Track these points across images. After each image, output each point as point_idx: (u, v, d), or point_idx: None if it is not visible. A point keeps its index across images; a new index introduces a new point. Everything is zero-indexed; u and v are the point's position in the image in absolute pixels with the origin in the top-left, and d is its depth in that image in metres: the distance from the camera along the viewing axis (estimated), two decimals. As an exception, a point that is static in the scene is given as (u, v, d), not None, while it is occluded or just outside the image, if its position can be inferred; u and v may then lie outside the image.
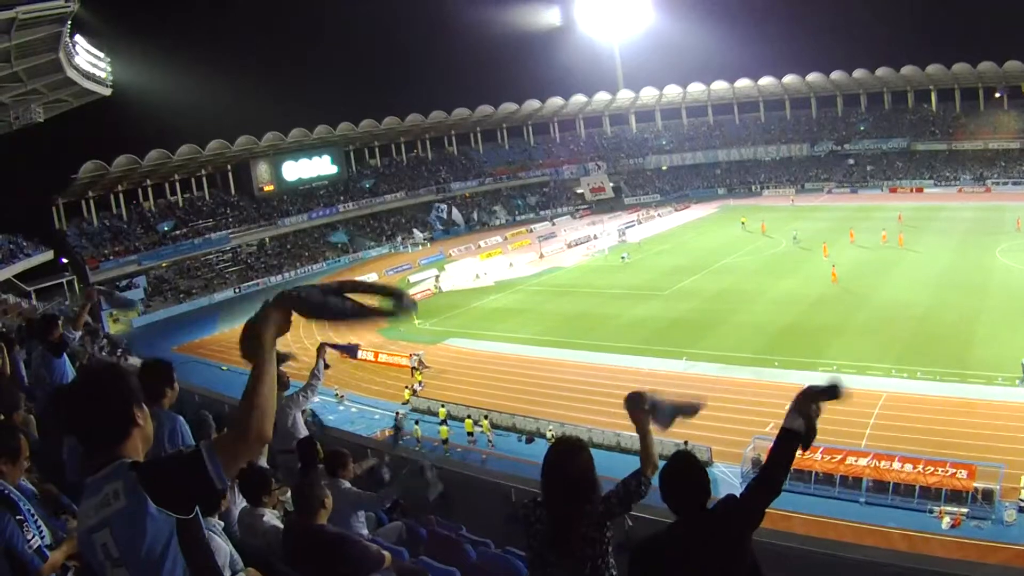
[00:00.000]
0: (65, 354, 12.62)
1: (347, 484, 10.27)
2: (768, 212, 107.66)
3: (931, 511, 30.79)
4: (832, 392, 5.43)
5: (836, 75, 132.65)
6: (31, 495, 7.52)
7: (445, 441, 44.56)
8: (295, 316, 4.15)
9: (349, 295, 4.21)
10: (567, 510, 5.76)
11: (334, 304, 4.15)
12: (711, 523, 5.39)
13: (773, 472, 5.31)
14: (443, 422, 46.94)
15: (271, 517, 8.60)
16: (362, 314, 4.24)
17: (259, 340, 4.00)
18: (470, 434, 45.66)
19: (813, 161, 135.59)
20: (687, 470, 5.66)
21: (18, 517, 6.34)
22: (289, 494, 9.67)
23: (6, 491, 6.42)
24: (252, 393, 3.90)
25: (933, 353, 47.57)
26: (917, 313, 56.31)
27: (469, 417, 46.53)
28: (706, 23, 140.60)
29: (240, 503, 8.73)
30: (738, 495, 5.40)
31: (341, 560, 7.91)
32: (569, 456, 5.86)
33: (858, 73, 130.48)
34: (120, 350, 54.70)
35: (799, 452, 5.36)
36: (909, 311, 56.91)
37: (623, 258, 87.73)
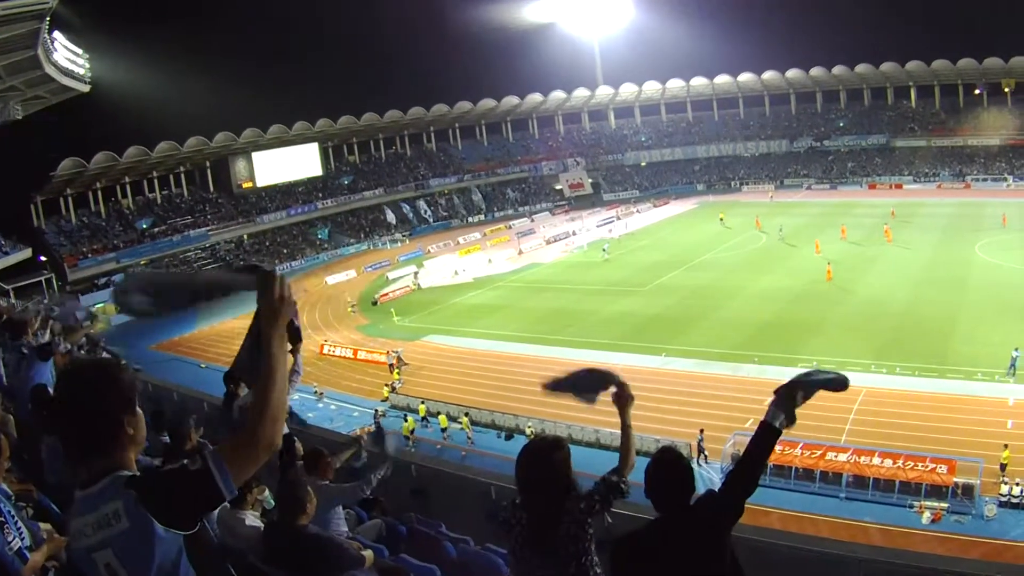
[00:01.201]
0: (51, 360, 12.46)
1: (326, 483, 10.19)
2: (747, 208, 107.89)
3: (911, 506, 30.96)
4: (835, 385, 5.37)
5: (816, 71, 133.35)
6: (8, 496, 7.31)
7: (409, 435, 44.45)
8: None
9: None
10: (546, 509, 5.69)
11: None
12: (692, 519, 5.32)
13: (750, 467, 5.21)
14: (423, 419, 47.15)
15: (252, 519, 8.51)
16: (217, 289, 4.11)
17: (266, 342, 3.82)
18: (444, 429, 45.91)
19: (792, 157, 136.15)
20: (672, 467, 5.56)
21: None
22: (267, 493, 9.64)
23: None
24: (262, 397, 3.73)
25: (913, 348, 47.84)
26: (897, 309, 56.60)
27: (443, 413, 46.83)
28: (686, 19, 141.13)
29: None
30: (716, 490, 5.28)
31: (321, 560, 7.80)
32: (542, 455, 5.80)
33: (837, 70, 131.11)
34: (98, 348, 54.44)
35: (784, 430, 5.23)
36: (889, 307, 57.24)
37: (604, 250, 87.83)
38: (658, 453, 5.68)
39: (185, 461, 3.74)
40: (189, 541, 3.62)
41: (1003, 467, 32.21)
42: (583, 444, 37.39)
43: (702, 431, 37.39)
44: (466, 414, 45.92)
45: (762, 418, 5.19)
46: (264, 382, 3.73)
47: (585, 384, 6.63)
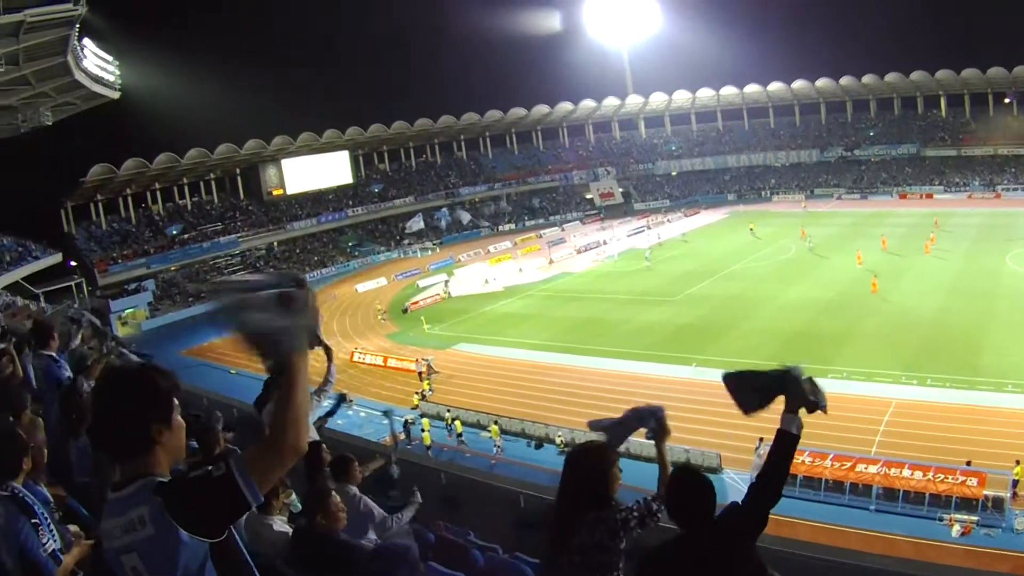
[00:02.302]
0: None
1: (355, 490, 10.12)
2: (778, 218, 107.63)
3: (941, 519, 30.71)
4: (813, 408, 5.53)
5: (846, 80, 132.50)
6: (45, 500, 7.41)
7: (429, 447, 44.68)
8: None
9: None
10: (571, 512, 5.77)
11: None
12: (717, 533, 5.37)
13: (773, 477, 5.34)
14: (449, 427, 47.27)
15: (279, 524, 8.49)
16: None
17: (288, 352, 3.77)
18: (459, 435, 46.22)
19: (823, 167, 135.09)
20: (690, 488, 5.64)
21: (33, 520, 6.30)
22: (293, 497, 9.69)
23: (21, 494, 6.39)
24: (286, 402, 3.72)
25: (943, 360, 47.41)
26: (927, 319, 56.11)
27: (458, 418, 47.38)
28: (715, 28, 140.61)
29: None
30: (740, 502, 5.38)
31: (349, 566, 7.78)
32: (583, 459, 5.89)
33: (867, 78, 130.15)
34: (128, 353, 54.72)
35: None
36: (919, 317, 56.75)
37: (646, 258, 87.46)
38: (674, 475, 5.80)
39: (210, 468, 3.79)
40: (216, 548, 3.69)
41: (1015, 483, 31.97)
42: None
43: (761, 440, 37.11)
44: (495, 422, 45.85)
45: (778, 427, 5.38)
46: (287, 388, 3.75)
47: (629, 428, 6.80)
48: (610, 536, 5.74)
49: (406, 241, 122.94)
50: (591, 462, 5.92)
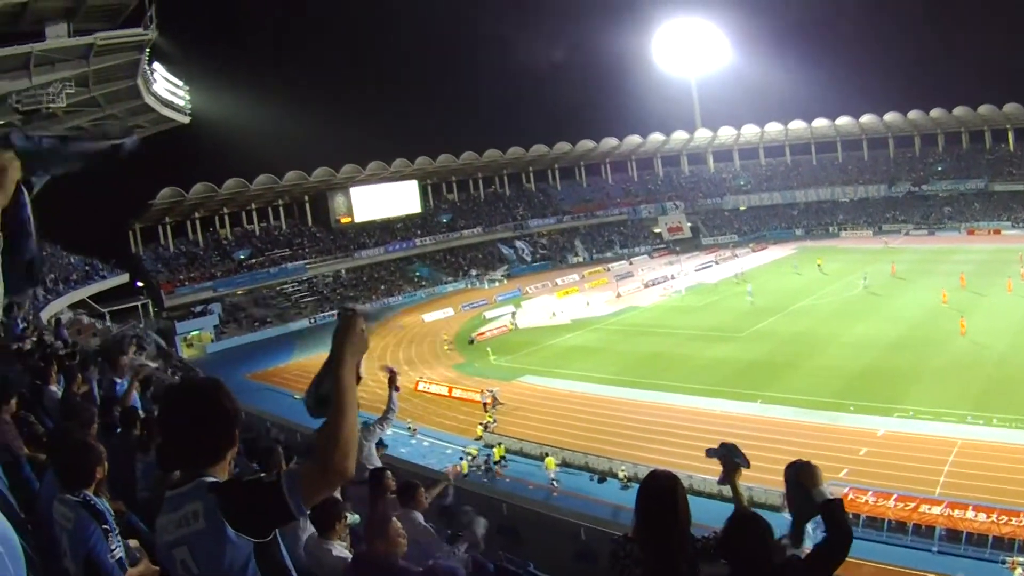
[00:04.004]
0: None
1: (420, 517, 10.29)
2: (846, 254, 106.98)
3: (1003, 561, 30.32)
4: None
5: (913, 114, 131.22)
6: (109, 512, 7.84)
7: (466, 475, 44.74)
8: None
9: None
10: (669, 541, 5.41)
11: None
12: None
13: (837, 544, 5.35)
14: (500, 460, 47.59)
15: (339, 549, 8.46)
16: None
17: (337, 376, 3.97)
18: (496, 462, 47.21)
19: (890, 202, 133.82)
20: (747, 534, 5.55)
21: (104, 527, 6.39)
22: (354, 518, 9.75)
23: (92, 501, 6.52)
24: (333, 427, 3.85)
25: (1010, 400, 46.58)
26: (995, 358, 55.28)
27: (500, 444, 48.38)
28: (784, 62, 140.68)
29: (308, 530, 8.59)
30: (802, 556, 5.48)
31: None
32: (667, 487, 5.60)
33: (935, 112, 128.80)
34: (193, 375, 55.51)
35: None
36: (987, 355, 55.93)
37: (748, 293, 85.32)
38: (735, 517, 5.76)
39: (262, 475, 4.12)
40: (258, 551, 3.86)
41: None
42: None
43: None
44: (546, 454, 46.17)
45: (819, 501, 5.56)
46: (335, 413, 3.87)
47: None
48: (689, 567, 5.46)
49: (474, 272, 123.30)
50: (670, 486, 5.59)
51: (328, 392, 4.02)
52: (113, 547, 6.38)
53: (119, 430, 11.64)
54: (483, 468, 46.86)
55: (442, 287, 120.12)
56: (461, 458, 47.73)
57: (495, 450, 48.18)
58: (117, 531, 6.59)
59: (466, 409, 58.61)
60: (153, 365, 20.01)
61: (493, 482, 44.63)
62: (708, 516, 8.07)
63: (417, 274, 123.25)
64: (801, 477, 6.02)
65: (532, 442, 49.11)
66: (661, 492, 5.56)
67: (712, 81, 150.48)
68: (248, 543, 3.81)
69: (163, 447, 4.34)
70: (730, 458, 6.97)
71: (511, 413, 56.74)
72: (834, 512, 5.50)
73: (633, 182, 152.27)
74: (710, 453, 7.08)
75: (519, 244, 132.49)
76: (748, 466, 6.97)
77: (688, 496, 5.62)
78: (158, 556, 4.34)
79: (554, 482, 43.95)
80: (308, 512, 4.09)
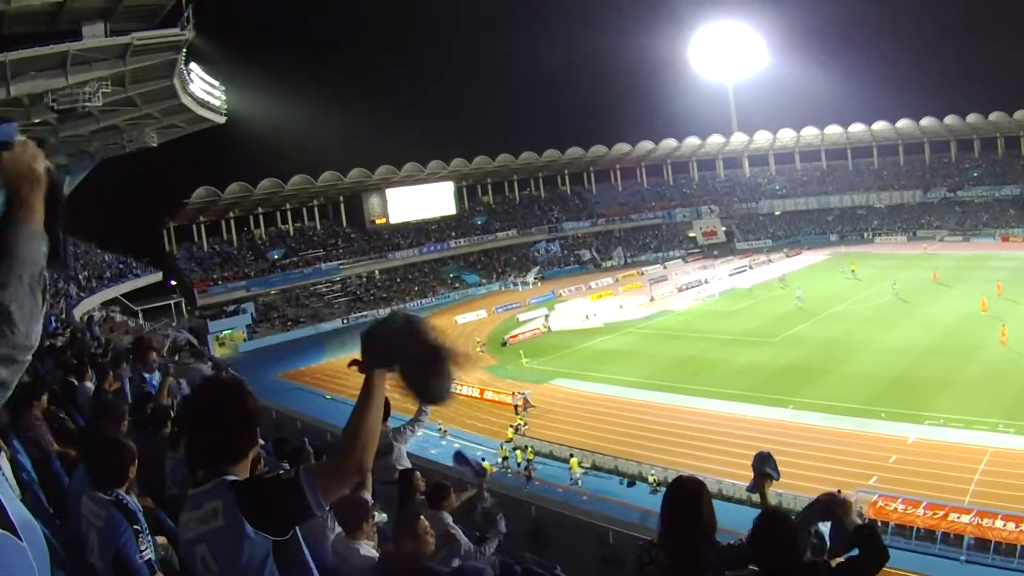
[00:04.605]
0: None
1: (448, 518, 10.23)
2: (880, 260, 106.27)
3: (1032, 571, 30.27)
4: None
5: (950, 119, 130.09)
6: (136, 510, 7.93)
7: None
8: None
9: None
10: (691, 551, 5.47)
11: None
12: None
13: (870, 561, 5.60)
14: (528, 463, 47.45)
15: (366, 548, 8.37)
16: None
17: (368, 381, 4.03)
18: (519, 463, 47.53)
19: (925, 208, 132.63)
20: (776, 533, 5.66)
21: (135, 527, 6.38)
22: (384, 516, 9.87)
23: (124, 500, 6.53)
24: (356, 423, 3.94)
25: None
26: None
27: (528, 448, 48.56)
28: (820, 66, 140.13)
29: (336, 530, 8.53)
30: (832, 564, 5.64)
31: None
32: (692, 493, 5.69)
33: (972, 118, 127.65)
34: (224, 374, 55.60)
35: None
36: (1018, 364, 55.47)
37: (797, 298, 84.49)
38: (764, 516, 5.86)
39: (280, 472, 4.11)
40: (279, 549, 3.89)
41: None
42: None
43: (839, 492, 36.54)
44: (571, 455, 46.30)
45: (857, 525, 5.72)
46: (359, 409, 3.98)
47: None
48: (713, 573, 5.61)
49: (509, 275, 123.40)
50: (696, 493, 5.69)
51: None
52: (143, 548, 6.37)
53: (150, 427, 11.76)
54: (507, 468, 47.35)
55: (475, 289, 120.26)
56: (483, 458, 47.89)
57: (517, 453, 48.52)
58: (148, 532, 6.61)
59: (497, 411, 58.80)
60: (206, 370, 20.16)
61: (523, 485, 44.68)
62: (737, 522, 8.14)
63: (452, 275, 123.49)
64: (836, 509, 6.23)
65: (560, 444, 49.20)
66: (686, 498, 5.64)
67: (749, 85, 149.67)
68: (266, 541, 3.85)
69: (191, 444, 4.41)
70: (761, 468, 7.10)
71: (543, 416, 56.83)
72: (869, 535, 5.73)
73: (668, 186, 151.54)
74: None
75: (552, 246, 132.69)
76: (778, 477, 7.13)
77: (717, 501, 5.69)
78: (181, 553, 4.43)
79: (577, 482, 44.20)
80: (328, 508, 4.18)
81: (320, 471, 3.96)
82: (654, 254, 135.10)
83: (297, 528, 4.06)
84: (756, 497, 7.03)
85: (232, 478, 4.05)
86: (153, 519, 8.06)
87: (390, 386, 4.11)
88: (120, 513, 6.37)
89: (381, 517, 9.86)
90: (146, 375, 14.65)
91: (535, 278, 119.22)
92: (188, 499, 4.16)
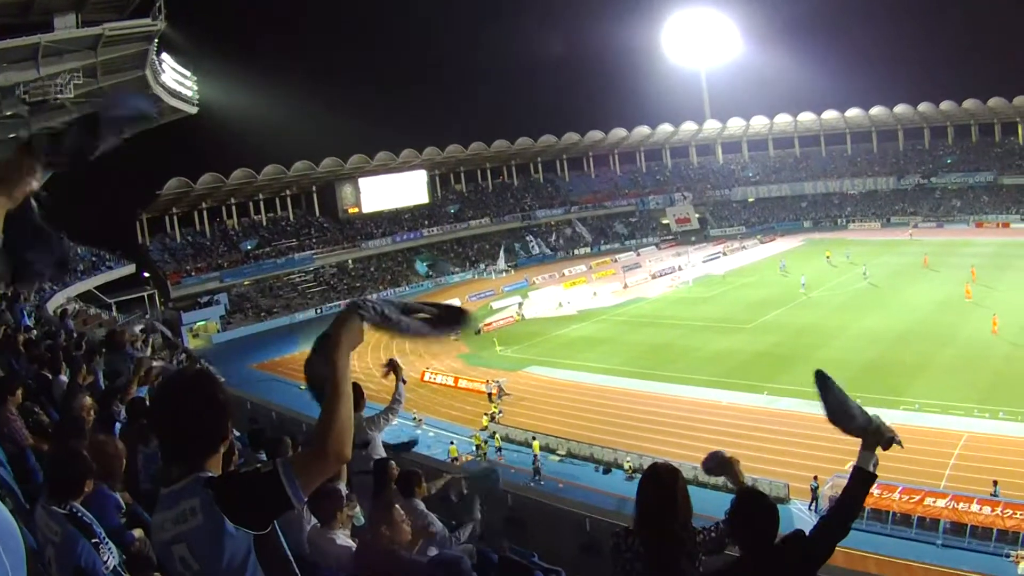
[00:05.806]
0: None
1: (421, 505, 10.28)
2: (853, 246, 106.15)
3: (1008, 555, 30.32)
4: (887, 445, 5.78)
5: (923, 107, 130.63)
6: (118, 506, 7.83)
7: (455, 459, 45.24)
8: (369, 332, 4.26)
9: (419, 314, 4.46)
10: (665, 538, 5.53)
11: (408, 323, 4.36)
12: (778, 558, 5.42)
13: (846, 511, 5.52)
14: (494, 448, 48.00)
15: (342, 538, 8.43)
16: (434, 332, 4.52)
17: (332, 363, 4.00)
18: (477, 447, 48.03)
19: (899, 194, 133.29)
20: (754, 509, 5.65)
21: (93, 540, 6.31)
22: (357, 510, 9.62)
23: (80, 513, 6.43)
24: (329, 412, 3.89)
25: (1017, 393, 46.51)
26: (1002, 352, 55.20)
27: (476, 434, 49.35)
28: (794, 53, 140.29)
29: (312, 521, 8.55)
30: (807, 532, 5.51)
31: None
32: (667, 481, 5.67)
33: (945, 105, 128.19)
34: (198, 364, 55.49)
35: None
36: (994, 350, 55.85)
37: (802, 286, 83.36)
38: (742, 493, 5.84)
39: (259, 465, 4.09)
40: (259, 543, 3.86)
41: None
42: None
43: (816, 477, 36.56)
44: (533, 438, 46.80)
45: (855, 463, 5.65)
46: (329, 397, 3.91)
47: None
48: (688, 560, 5.62)
49: (482, 266, 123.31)
50: (671, 480, 5.68)
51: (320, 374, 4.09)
52: (106, 558, 6.34)
53: (125, 421, 11.64)
54: (482, 456, 47.17)
55: (449, 278, 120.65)
56: (452, 442, 47.94)
57: (496, 437, 48.91)
58: (107, 539, 6.54)
59: (472, 399, 58.71)
60: (158, 363, 19.93)
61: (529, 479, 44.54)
62: (712, 507, 8.09)
63: (424, 264, 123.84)
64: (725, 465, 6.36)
65: (539, 432, 48.83)
66: (661, 485, 5.62)
67: (722, 72, 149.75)
68: (247, 536, 3.81)
69: (164, 438, 4.23)
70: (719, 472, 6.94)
71: (517, 404, 56.90)
72: (862, 479, 5.65)
73: (641, 173, 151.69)
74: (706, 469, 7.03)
75: (529, 238, 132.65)
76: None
77: (692, 487, 5.64)
78: (156, 553, 4.33)
79: (538, 466, 44.26)
80: (307, 500, 4.10)
81: (298, 462, 3.91)
82: (627, 241, 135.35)
83: (275, 521, 4.00)
84: (732, 484, 6.91)
85: (207, 475, 3.99)
86: (130, 513, 8.13)
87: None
88: (76, 529, 6.29)
89: (359, 517, 9.71)
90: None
91: (507, 265, 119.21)
92: (161, 499, 4.09)
